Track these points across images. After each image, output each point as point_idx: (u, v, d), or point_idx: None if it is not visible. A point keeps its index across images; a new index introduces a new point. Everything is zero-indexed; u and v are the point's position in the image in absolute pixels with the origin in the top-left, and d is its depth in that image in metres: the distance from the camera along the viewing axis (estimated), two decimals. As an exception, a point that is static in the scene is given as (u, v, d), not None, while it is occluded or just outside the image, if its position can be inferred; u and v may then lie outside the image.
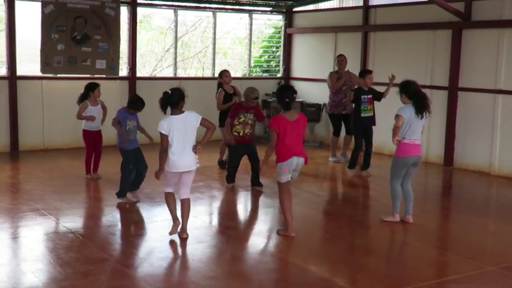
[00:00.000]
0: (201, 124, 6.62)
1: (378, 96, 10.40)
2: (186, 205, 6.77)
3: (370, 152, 10.44)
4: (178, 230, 6.81)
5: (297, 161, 6.86)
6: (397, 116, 7.37)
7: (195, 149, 6.60)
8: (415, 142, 7.45)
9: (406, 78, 7.69)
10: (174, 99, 6.49)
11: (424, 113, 7.37)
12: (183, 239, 6.72)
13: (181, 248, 6.59)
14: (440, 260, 6.59)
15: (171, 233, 6.80)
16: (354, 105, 10.40)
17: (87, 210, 8.18)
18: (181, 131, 6.51)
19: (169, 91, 6.53)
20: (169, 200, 6.84)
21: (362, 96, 10.19)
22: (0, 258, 6.07)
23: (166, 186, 6.83)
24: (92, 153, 9.63)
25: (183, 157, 6.55)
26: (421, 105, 7.35)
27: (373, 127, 10.45)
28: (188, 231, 6.80)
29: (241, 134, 9.03)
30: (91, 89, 9.49)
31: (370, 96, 10.28)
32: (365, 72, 10.47)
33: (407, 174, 7.61)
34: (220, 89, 10.31)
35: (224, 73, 10.41)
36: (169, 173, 6.65)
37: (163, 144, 6.55)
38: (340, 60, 11.42)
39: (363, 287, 5.69)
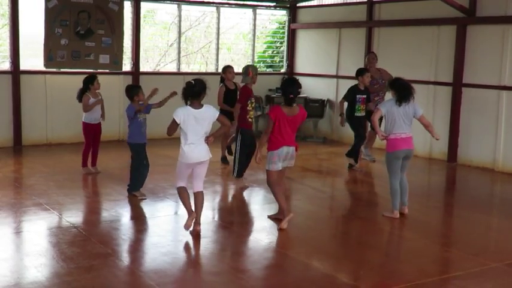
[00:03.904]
0: (217, 120, 6.68)
1: (369, 98, 10.39)
2: (199, 198, 6.79)
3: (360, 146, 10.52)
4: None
5: (287, 150, 6.99)
6: (375, 109, 7.64)
7: (207, 140, 6.64)
8: (401, 136, 7.51)
9: (407, 74, 7.85)
10: (197, 89, 6.51)
11: (404, 102, 7.44)
12: (197, 232, 6.70)
13: (184, 243, 6.59)
14: (443, 256, 6.58)
15: (186, 226, 6.76)
16: (346, 104, 10.32)
17: (90, 205, 8.18)
18: (197, 124, 6.53)
19: (193, 81, 6.55)
20: (182, 194, 6.81)
21: (357, 96, 10.15)
22: (3, 252, 6.07)
23: (179, 180, 6.79)
24: (91, 146, 9.57)
25: (196, 148, 6.58)
26: (400, 95, 7.45)
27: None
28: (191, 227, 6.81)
29: (252, 119, 9.04)
30: (90, 82, 9.35)
31: (365, 96, 10.24)
32: (362, 71, 10.35)
33: (401, 167, 7.65)
34: (221, 84, 10.26)
35: (228, 69, 10.33)
36: (183, 164, 6.68)
37: (170, 128, 6.58)
38: (371, 58, 11.10)
39: (366, 283, 5.68)
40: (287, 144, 6.96)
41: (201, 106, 6.57)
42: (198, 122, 6.53)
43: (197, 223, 6.76)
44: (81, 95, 9.37)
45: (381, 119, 8.14)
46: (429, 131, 7.81)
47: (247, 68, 9.02)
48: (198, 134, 6.57)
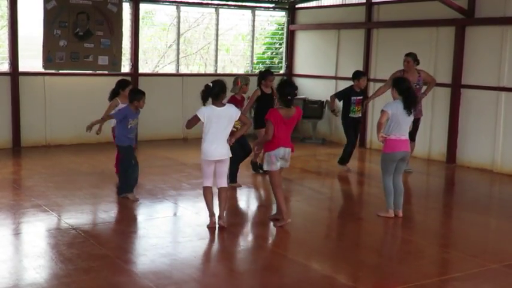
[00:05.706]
0: (239, 119, 6.93)
1: (364, 98, 10.48)
2: (223, 194, 7.03)
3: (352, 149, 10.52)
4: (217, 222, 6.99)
5: (284, 151, 7.07)
6: (382, 112, 7.49)
7: (228, 142, 6.87)
8: (401, 138, 7.52)
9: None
10: (215, 91, 6.72)
11: (412, 109, 7.46)
12: (220, 226, 6.95)
13: (182, 244, 6.59)
14: (442, 257, 6.58)
15: (208, 227, 6.95)
16: (342, 105, 10.32)
17: (89, 206, 8.16)
18: (220, 122, 6.76)
19: (211, 84, 6.76)
20: (207, 194, 6.99)
21: (352, 98, 10.18)
22: (2, 254, 6.07)
23: (205, 179, 6.97)
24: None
25: (217, 146, 6.81)
26: (409, 101, 7.43)
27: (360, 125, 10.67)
28: (189, 228, 6.81)
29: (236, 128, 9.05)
30: (122, 87, 9.02)
31: (360, 97, 10.27)
32: (360, 74, 10.38)
33: (397, 169, 7.66)
34: (257, 88, 9.71)
35: (269, 77, 9.64)
36: (204, 161, 6.89)
37: (190, 122, 6.86)
38: (405, 62, 10.25)
39: (365, 285, 5.68)
40: (283, 145, 7.04)
41: (223, 105, 6.82)
42: (221, 119, 6.76)
43: (220, 217, 7.01)
44: (112, 96, 9.06)
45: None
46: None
47: (236, 78, 9.17)
48: (221, 132, 6.80)
